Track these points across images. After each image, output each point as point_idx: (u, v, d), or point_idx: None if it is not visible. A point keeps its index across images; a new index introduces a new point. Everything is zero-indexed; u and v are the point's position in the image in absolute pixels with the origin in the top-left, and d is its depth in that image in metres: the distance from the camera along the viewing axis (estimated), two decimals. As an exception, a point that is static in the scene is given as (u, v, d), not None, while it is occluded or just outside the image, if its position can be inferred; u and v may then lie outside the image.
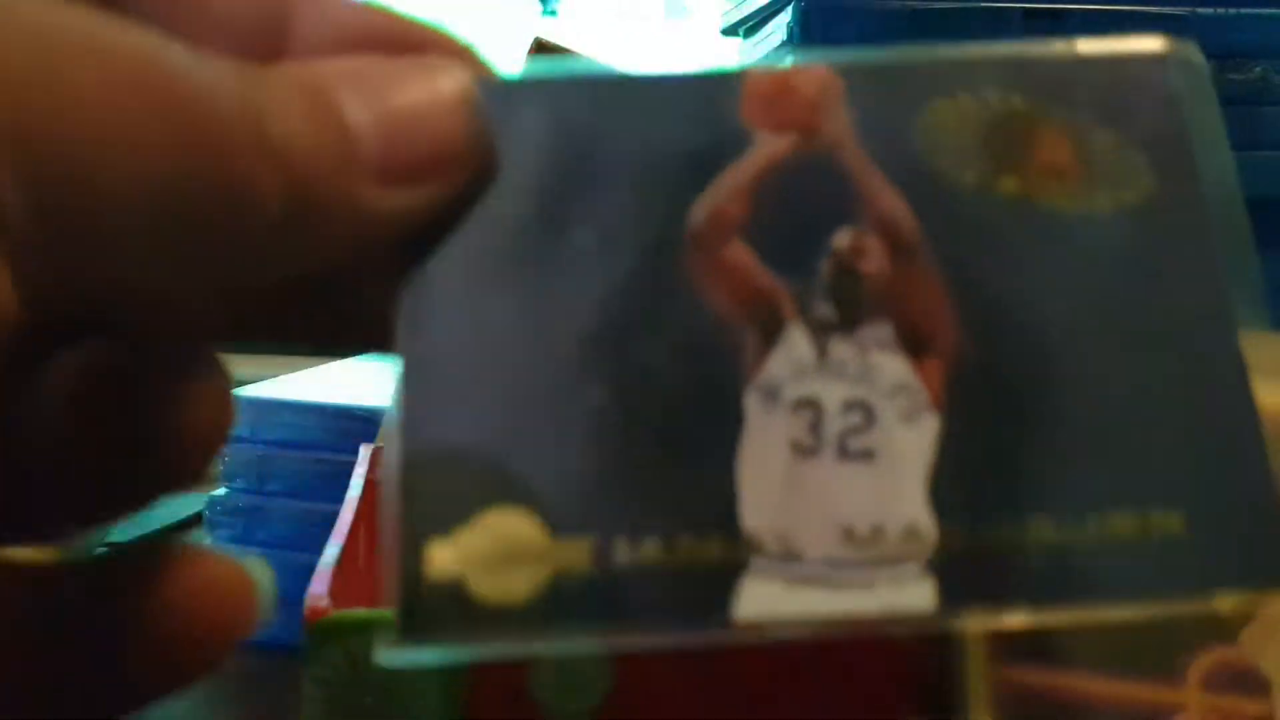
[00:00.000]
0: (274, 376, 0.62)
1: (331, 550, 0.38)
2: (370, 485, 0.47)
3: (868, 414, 0.24)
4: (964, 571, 0.23)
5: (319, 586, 0.34)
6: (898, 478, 0.24)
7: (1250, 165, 0.62)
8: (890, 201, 0.25)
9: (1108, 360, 0.25)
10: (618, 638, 0.23)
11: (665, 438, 0.24)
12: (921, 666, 0.36)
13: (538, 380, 0.24)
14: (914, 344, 0.25)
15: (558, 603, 0.23)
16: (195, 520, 0.76)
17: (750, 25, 0.70)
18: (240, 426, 0.58)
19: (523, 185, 0.25)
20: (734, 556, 0.23)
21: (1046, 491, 0.24)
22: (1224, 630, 0.27)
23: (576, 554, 0.23)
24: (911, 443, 0.24)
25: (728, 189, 0.25)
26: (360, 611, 0.33)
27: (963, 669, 0.27)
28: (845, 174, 0.26)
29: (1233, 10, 0.62)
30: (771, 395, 0.24)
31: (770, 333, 0.25)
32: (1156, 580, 0.23)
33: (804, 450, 0.24)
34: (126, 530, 0.69)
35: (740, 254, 0.25)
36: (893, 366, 0.25)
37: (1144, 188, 0.26)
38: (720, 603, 0.23)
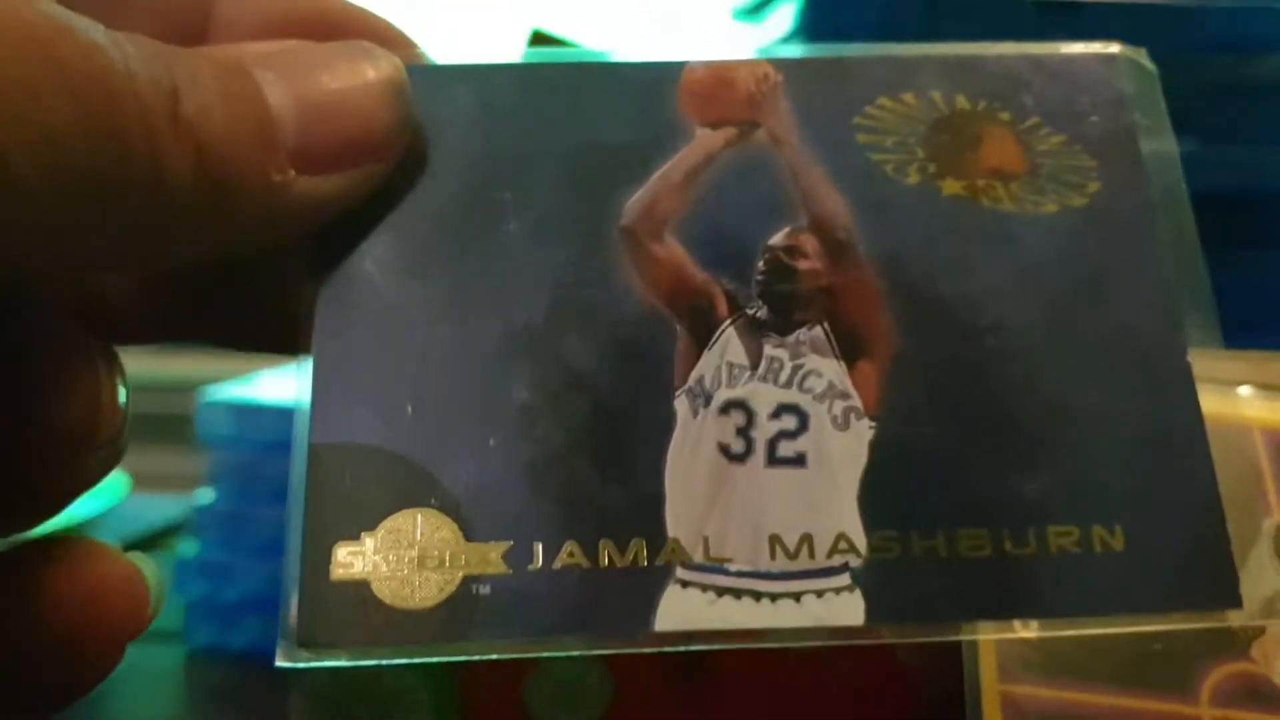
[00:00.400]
0: (258, 376, 0.61)
1: None
2: None
3: (800, 418, 0.24)
4: (895, 584, 0.22)
5: None
6: (828, 485, 0.23)
7: (1266, 160, 0.61)
8: (829, 199, 0.25)
9: (1051, 367, 0.24)
10: (529, 644, 0.22)
11: (591, 438, 0.23)
12: (930, 680, 0.36)
13: (459, 378, 0.23)
14: (849, 346, 0.24)
15: (467, 607, 0.22)
16: (180, 526, 0.76)
17: (759, 5, 0.70)
18: (225, 429, 0.57)
19: (451, 175, 0.25)
20: (657, 563, 0.22)
21: (983, 502, 0.23)
22: (1236, 643, 0.27)
23: (490, 558, 0.22)
24: (844, 449, 0.23)
25: (662, 182, 0.25)
26: None
27: (972, 683, 0.27)
28: (783, 170, 0.25)
29: (1247, 2, 0.61)
30: (701, 397, 0.24)
31: (702, 332, 0.24)
32: (1095, 599, 0.23)
33: (733, 454, 0.23)
34: (110, 538, 0.69)
35: (673, 250, 0.24)
36: (827, 370, 0.24)
37: (1090, 190, 0.26)
38: (641, 611, 0.22)
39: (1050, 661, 0.27)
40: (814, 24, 0.60)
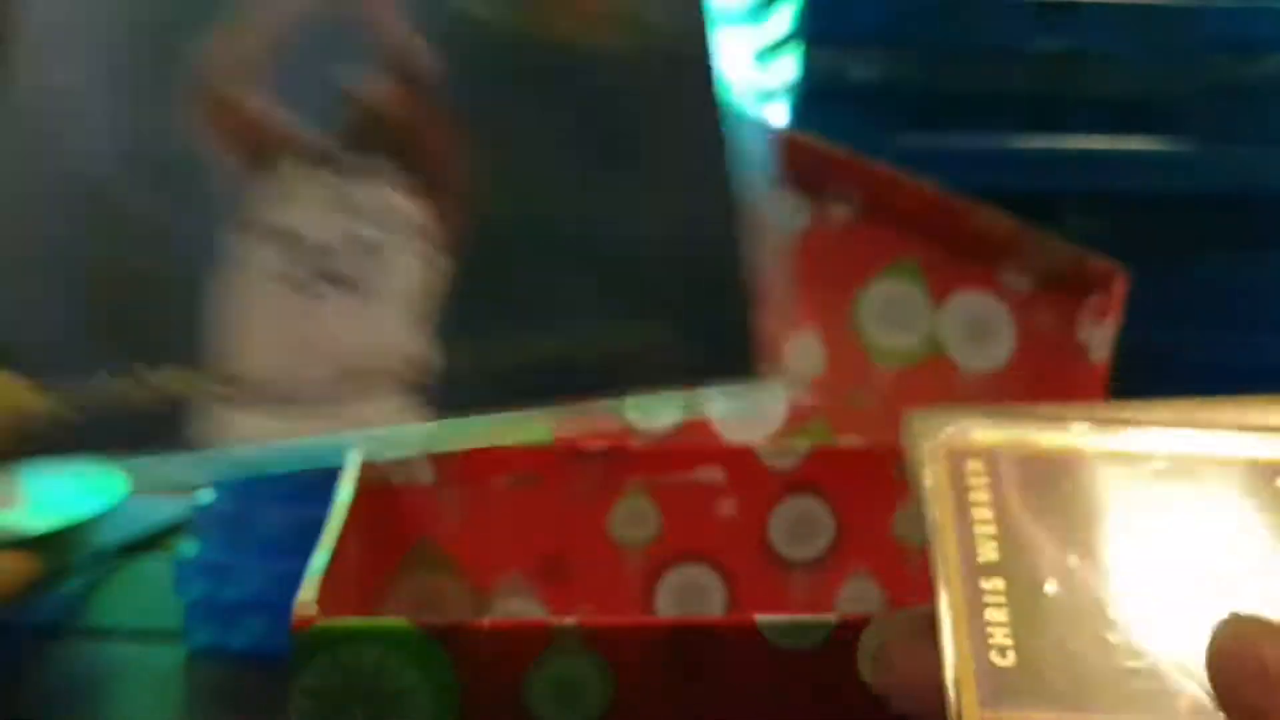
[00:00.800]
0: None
1: (320, 557, 0.37)
2: (361, 491, 0.46)
3: (367, 248, 0.25)
4: (465, 390, 0.25)
5: (307, 594, 0.34)
6: (395, 309, 0.24)
7: (1265, 160, 0.62)
8: (407, 40, 0.26)
9: (600, 186, 0.26)
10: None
11: (132, 274, 0.24)
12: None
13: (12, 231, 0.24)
14: (424, 180, 0.25)
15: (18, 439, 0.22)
16: (179, 526, 0.76)
17: (758, 6, 0.70)
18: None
19: None
20: (200, 386, 0.23)
21: (549, 315, 0.25)
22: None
23: (30, 396, 0.23)
24: (411, 275, 0.25)
25: (243, 34, 0.25)
26: (350, 620, 0.33)
27: (953, 711, 0.27)
28: (366, 20, 0.26)
29: (1246, 2, 0.62)
30: (257, 230, 0.24)
31: (265, 169, 0.25)
32: (647, 381, 0.25)
33: (294, 284, 0.24)
34: (110, 538, 0.69)
35: (248, 95, 0.25)
36: (397, 202, 0.25)
37: (656, 30, 0.27)
38: (177, 430, 0.23)
39: (1032, 688, 0.27)
40: (812, 25, 0.61)
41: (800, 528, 0.51)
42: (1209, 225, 0.65)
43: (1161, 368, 0.64)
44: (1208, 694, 0.26)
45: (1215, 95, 0.63)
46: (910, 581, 0.46)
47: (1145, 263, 0.54)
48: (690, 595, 0.52)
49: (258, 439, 0.23)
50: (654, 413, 0.27)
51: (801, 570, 0.51)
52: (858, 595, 0.51)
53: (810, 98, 0.61)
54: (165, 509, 0.78)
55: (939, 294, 0.55)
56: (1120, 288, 0.52)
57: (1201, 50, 0.62)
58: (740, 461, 0.52)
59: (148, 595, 0.65)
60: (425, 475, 0.49)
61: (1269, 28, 0.62)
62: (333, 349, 0.24)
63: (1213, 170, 0.63)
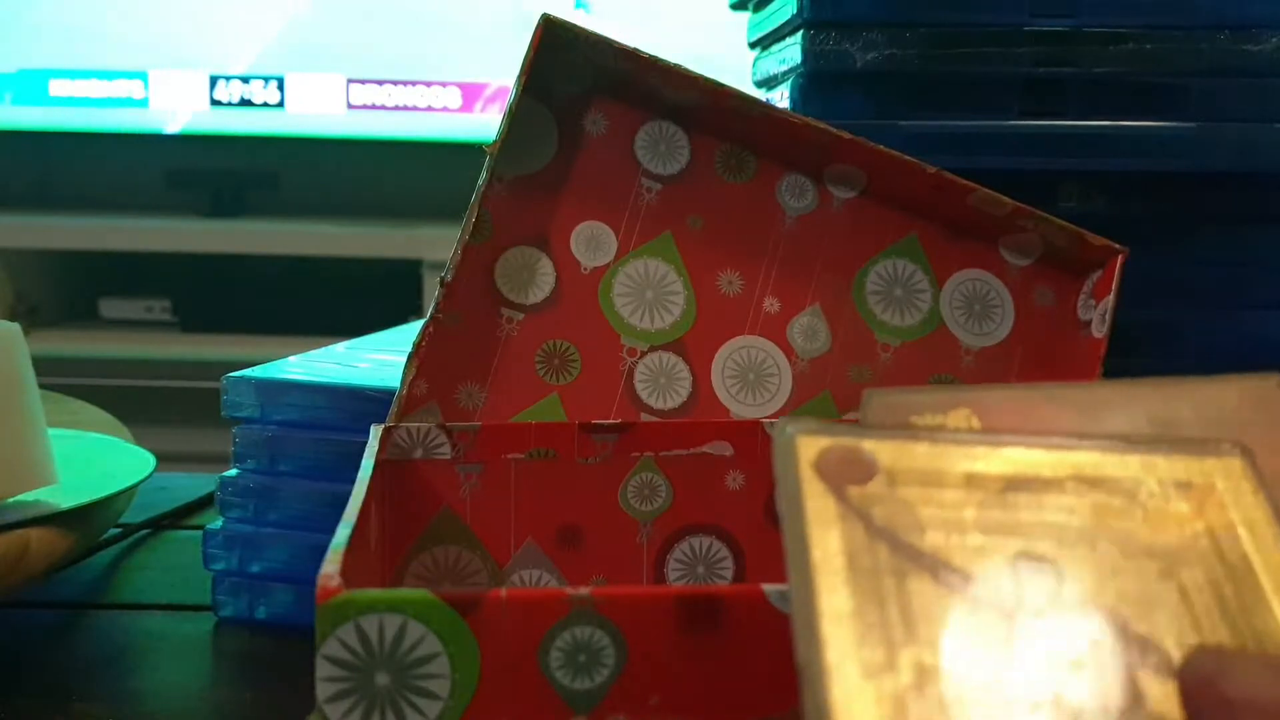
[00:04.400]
0: (283, 357, 0.62)
1: (343, 530, 0.38)
2: (381, 466, 0.47)
3: None
4: None
5: (330, 566, 0.34)
6: None
7: (1263, 139, 0.62)
8: None
9: None
10: None
11: None
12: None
13: None
14: None
15: None
16: (206, 501, 0.77)
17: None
18: (251, 408, 0.58)
19: None
20: None
21: None
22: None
23: None
24: None
25: None
26: (372, 591, 0.33)
27: None
28: None
29: (1245, -20, 0.62)
30: None
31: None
32: None
33: None
34: (137, 513, 0.70)
35: None
36: None
37: None
38: None
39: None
40: (815, 9, 0.61)
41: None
42: (1208, 204, 0.65)
43: (1160, 345, 0.65)
44: None
45: (1214, 75, 0.63)
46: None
47: (1144, 241, 0.54)
48: (700, 565, 0.53)
49: None
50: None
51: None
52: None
53: (813, 81, 0.62)
54: (192, 485, 0.78)
55: (941, 272, 0.55)
56: (1119, 266, 0.52)
57: (1200, 30, 0.62)
58: (747, 436, 0.52)
59: (176, 568, 0.67)
60: (444, 451, 0.50)
61: (1267, 7, 0.62)
62: None
63: (1212, 149, 0.63)
